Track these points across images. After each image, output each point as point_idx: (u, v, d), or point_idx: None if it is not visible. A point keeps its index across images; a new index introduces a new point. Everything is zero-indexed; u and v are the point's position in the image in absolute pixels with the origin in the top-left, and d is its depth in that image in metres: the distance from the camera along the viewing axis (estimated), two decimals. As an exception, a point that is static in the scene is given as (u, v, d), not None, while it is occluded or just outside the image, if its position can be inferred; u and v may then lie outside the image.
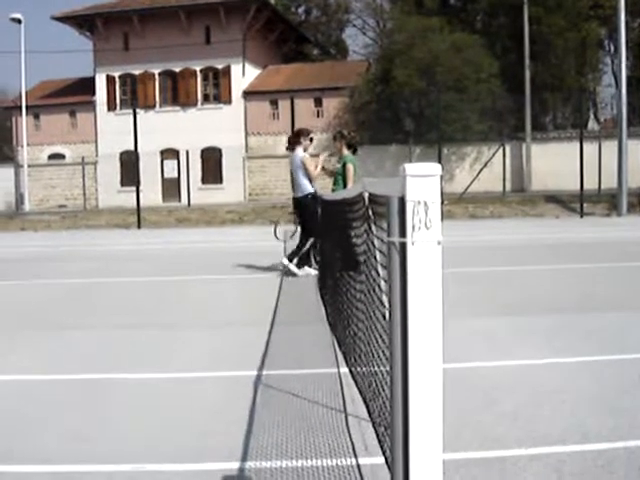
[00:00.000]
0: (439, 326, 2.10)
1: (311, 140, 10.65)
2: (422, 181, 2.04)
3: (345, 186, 9.81)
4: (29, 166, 39.72)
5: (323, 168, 10.81)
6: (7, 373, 5.53)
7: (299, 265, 10.62)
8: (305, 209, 10.55)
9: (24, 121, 39.62)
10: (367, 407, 3.81)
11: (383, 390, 3.08)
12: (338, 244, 5.82)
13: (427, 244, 2.05)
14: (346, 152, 10.20)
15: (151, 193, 37.46)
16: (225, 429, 4.09)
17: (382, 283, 3.36)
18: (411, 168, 2.05)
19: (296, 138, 10.72)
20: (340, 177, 10.15)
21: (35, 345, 6.56)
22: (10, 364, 5.84)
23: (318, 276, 9.41)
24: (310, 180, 10.51)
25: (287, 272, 10.65)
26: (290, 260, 10.65)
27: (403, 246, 2.09)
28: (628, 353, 5.55)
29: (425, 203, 2.02)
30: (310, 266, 10.65)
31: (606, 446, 3.66)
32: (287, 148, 10.90)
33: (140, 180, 26.65)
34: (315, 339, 6.27)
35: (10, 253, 16.82)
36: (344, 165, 10.11)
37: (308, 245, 10.64)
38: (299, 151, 10.59)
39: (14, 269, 13.00)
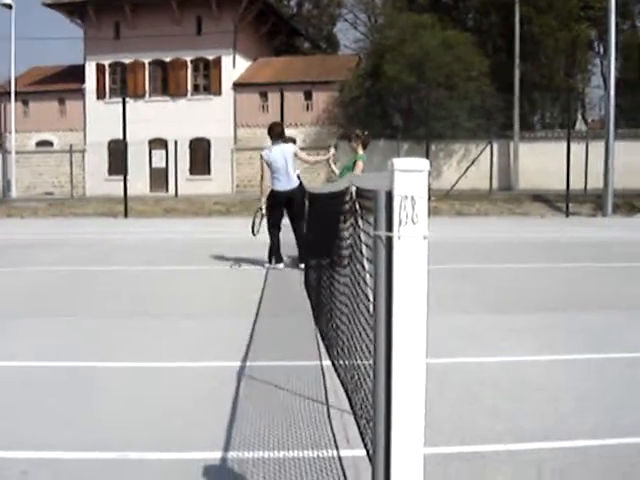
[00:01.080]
0: (423, 321, 2.12)
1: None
2: (410, 176, 2.05)
3: None
4: (17, 152, 39.50)
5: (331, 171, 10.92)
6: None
7: (275, 259, 10.80)
8: (298, 200, 10.49)
9: (13, 107, 39.39)
10: (349, 400, 3.83)
11: (365, 383, 3.10)
12: (323, 235, 5.83)
13: (413, 239, 2.07)
14: (361, 152, 10.25)
15: (139, 183, 37.32)
16: (208, 419, 4.10)
17: (367, 277, 3.38)
18: (399, 163, 2.06)
19: (282, 131, 10.81)
20: (347, 172, 10.18)
21: (22, 332, 6.54)
22: (-6, 350, 5.83)
23: (304, 269, 9.42)
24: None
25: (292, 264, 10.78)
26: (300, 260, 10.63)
27: (389, 240, 2.11)
28: (611, 352, 5.60)
29: (412, 198, 2.04)
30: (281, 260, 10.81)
31: (587, 443, 3.70)
32: (272, 137, 10.73)
33: (128, 169, 26.56)
34: (299, 331, 6.29)
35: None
36: (355, 162, 10.14)
37: (274, 241, 10.76)
38: (287, 146, 10.65)
39: (1, 256, 12.96)
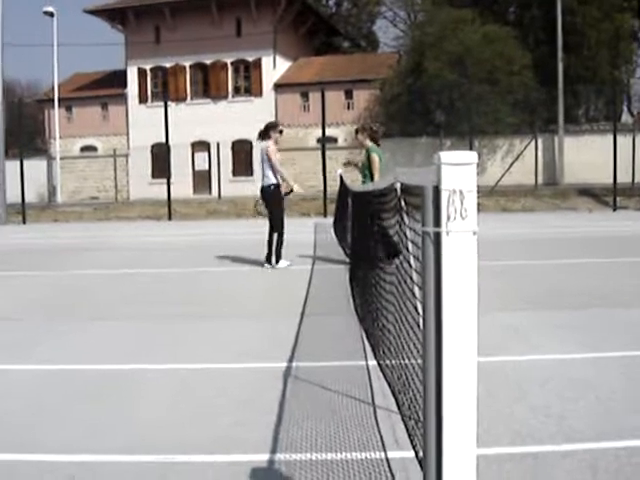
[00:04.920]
0: (474, 319, 2.06)
1: (281, 132, 10.82)
2: (458, 169, 1.99)
3: (372, 177, 9.79)
4: (61, 158, 40.09)
5: (349, 163, 10.83)
6: (33, 363, 5.56)
7: (274, 260, 10.89)
8: (269, 199, 10.83)
9: (56, 114, 39.99)
10: (396, 400, 3.77)
11: (414, 383, 3.04)
12: (371, 235, 5.78)
13: (462, 234, 2.00)
14: (369, 144, 10.18)
15: (182, 185, 37.54)
16: (255, 421, 4.07)
17: (414, 275, 3.32)
18: (446, 156, 2.00)
19: (266, 132, 10.83)
20: (367, 169, 10.13)
21: (64, 336, 6.58)
22: (37, 354, 5.86)
23: (349, 267, 9.37)
24: (274, 172, 10.65)
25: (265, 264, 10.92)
26: (269, 261, 10.88)
27: (437, 236, 2.04)
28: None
29: (461, 192, 1.97)
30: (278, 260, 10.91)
31: (641, 443, 3.60)
32: (258, 139, 10.94)
33: (171, 172, 26.73)
34: (344, 331, 6.24)
35: (42, 244, 16.95)
36: (369, 157, 10.09)
37: (277, 239, 10.83)
38: (265, 143, 10.70)
39: (47, 260, 13.08)
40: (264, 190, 10.80)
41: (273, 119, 40.17)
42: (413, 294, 3.13)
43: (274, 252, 10.88)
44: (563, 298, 7.88)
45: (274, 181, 10.65)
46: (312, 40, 46.63)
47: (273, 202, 10.78)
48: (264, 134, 10.80)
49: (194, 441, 3.80)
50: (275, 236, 10.83)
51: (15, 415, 4.34)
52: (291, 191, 10.93)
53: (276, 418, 4.08)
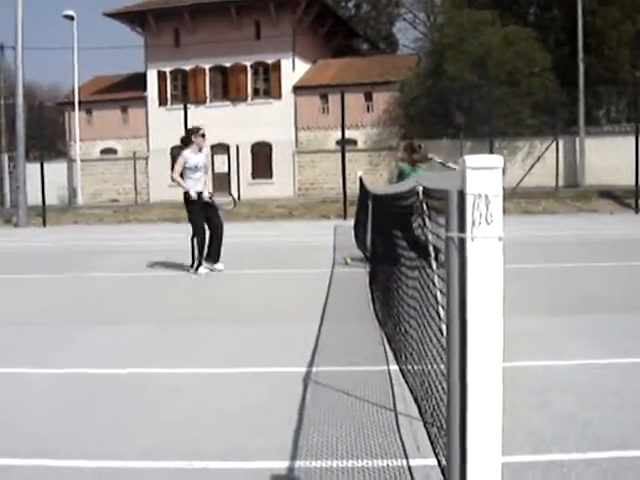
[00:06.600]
0: (499, 326, 2.01)
1: (203, 136, 10.80)
2: (483, 173, 1.94)
3: None
4: (82, 161, 40.27)
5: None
6: (48, 367, 5.54)
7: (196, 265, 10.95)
8: (186, 206, 10.94)
9: (77, 116, 40.17)
10: (418, 406, 3.72)
11: (436, 390, 2.99)
12: (389, 238, 5.73)
13: (488, 240, 1.96)
14: (400, 163, 10.30)
15: (201, 187, 37.64)
16: (274, 427, 4.03)
17: (436, 279, 3.27)
18: (471, 160, 1.95)
19: (188, 137, 10.88)
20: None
21: (83, 338, 6.58)
22: (52, 358, 5.85)
23: (369, 271, 9.32)
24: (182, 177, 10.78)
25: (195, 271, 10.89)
26: (199, 265, 10.91)
27: (462, 242, 2.00)
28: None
29: (486, 197, 1.92)
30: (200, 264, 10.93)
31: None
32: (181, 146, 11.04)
33: (190, 175, 26.73)
34: (365, 335, 6.19)
35: (62, 247, 17.00)
36: (400, 172, 10.18)
37: (198, 244, 10.88)
38: (185, 151, 10.77)
39: (66, 262, 13.12)
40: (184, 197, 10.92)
41: (292, 121, 40.28)
42: (436, 299, 3.08)
43: (196, 257, 10.94)
44: (585, 302, 7.79)
45: (186, 188, 10.72)
46: (331, 42, 46.60)
47: (188, 209, 10.92)
48: (187, 140, 10.84)
49: (212, 447, 3.77)
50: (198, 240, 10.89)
51: (32, 419, 4.32)
52: (212, 200, 10.98)
53: (296, 424, 4.04)
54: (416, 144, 10.59)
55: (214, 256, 10.89)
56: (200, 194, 10.74)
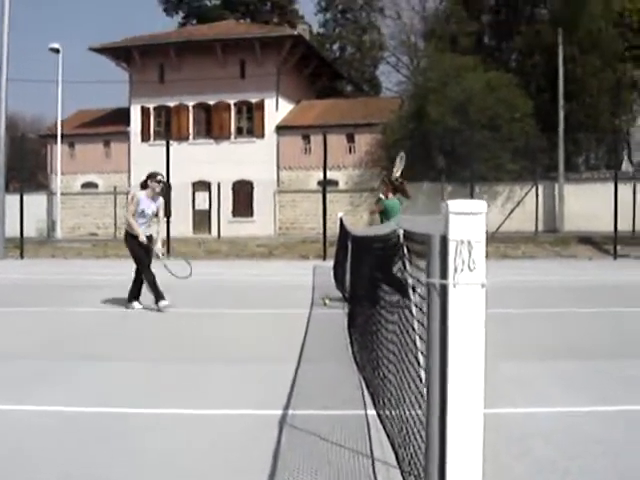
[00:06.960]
0: (481, 374, 1.96)
1: (158, 182, 10.96)
2: (466, 219, 1.90)
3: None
4: (62, 194, 40.09)
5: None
6: (32, 404, 5.42)
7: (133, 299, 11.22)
8: (127, 243, 11.23)
9: (59, 149, 40.09)
10: (396, 454, 3.65)
11: (414, 438, 2.93)
12: (367, 280, 5.68)
13: (470, 287, 1.91)
14: (390, 197, 10.39)
15: (182, 224, 37.53)
16: (247, 472, 3.94)
17: (415, 324, 3.22)
18: (454, 205, 1.91)
19: (145, 182, 11.03)
20: (383, 216, 10.28)
21: (62, 376, 6.46)
22: (36, 394, 5.73)
23: (347, 312, 9.25)
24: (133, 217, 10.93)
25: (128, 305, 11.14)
26: (135, 299, 11.23)
27: (444, 288, 1.95)
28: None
29: (469, 242, 1.88)
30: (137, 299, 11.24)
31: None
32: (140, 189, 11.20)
33: (171, 211, 26.70)
34: (343, 378, 6.11)
35: (40, 280, 16.82)
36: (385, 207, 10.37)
37: (149, 281, 11.09)
38: (141, 192, 10.98)
39: (44, 296, 12.97)
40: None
41: (274, 160, 40.41)
42: (415, 345, 3.03)
43: (134, 292, 11.22)
44: (566, 347, 7.76)
45: (138, 232, 10.87)
46: (315, 83, 47.00)
47: (129, 249, 11.18)
48: (144, 183, 11.02)
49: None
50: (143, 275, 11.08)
51: (24, 460, 4.20)
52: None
53: (270, 468, 3.95)
54: (392, 176, 10.74)
55: (137, 294, 11.25)
56: (150, 238, 11.06)
